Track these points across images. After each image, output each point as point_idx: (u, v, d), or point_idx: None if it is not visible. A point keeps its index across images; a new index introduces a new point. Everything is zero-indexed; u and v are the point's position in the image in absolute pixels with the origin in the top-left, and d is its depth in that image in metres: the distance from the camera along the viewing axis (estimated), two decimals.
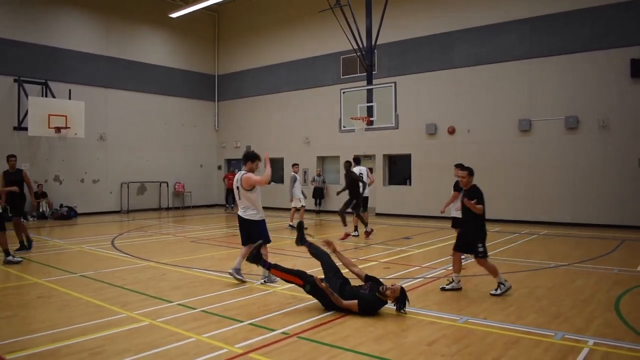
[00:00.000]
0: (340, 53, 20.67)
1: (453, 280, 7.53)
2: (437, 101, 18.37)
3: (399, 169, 19.96)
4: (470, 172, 7.67)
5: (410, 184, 19.04)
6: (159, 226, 17.14)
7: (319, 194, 20.56)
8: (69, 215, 19.23)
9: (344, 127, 16.22)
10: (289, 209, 16.54)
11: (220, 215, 21.19)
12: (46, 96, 19.29)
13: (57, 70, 20.05)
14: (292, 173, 15.88)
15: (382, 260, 9.93)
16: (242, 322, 5.89)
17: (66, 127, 18.32)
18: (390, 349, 4.99)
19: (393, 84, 15.17)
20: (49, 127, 18.03)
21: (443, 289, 7.49)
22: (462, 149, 17.46)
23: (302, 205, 15.70)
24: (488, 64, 17.22)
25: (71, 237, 14.00)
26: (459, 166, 12.06)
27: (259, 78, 24.09)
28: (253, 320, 5.91)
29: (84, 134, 19.09)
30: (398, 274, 8.66)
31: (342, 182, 20.00)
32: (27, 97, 18.39)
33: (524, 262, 9.72)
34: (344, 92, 16.30)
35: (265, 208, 8.91)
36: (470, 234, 7.42)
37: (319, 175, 20.67)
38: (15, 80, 18.91)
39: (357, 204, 13.01)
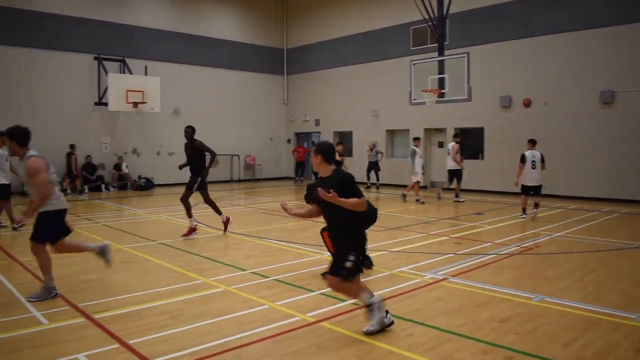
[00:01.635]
0: (410, 24, 20.17)
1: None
2: (512, 72, 17.62)
3: (470, 143, 19.39)
4: (323, 151, 4.69)
5: (482, 159, 18.51)
6: (232, 198, 17.62)
7: (373, 168, 20.00)
8: (147, 186, 20.13)
9: (414, 99, 15.97)
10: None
11: (290, 187, 21.52)
12: (124, 73, 20.09)
13: (134, 47, 20.80)
14: (412, 147, 15.75)
15: (452, 236, 9.78)
16: (313, 291, 5.99)
17: (143, 102, 19.06)
18: (462, 325, 4.93)
19: (465, 55, 14.72)
20: (127, 102, 18.82)
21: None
22: (539, 123, 16.72)
23: (417, 181, 15.56)
24: (567, 32, 16.26)
25: (149, 207, 14.66)
26: (532, 141, 11.93)
27: (327, 51, 23.98)
28: (324, 291, 5.99)
29: (159, 109, 19.80)
30: (469, 249, 8.51)
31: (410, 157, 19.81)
32: (106, 74, 19.22)
33: (604, 242, 9.28)
34: (414, 64, 16.01)
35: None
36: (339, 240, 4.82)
37: (371, 149, 20.17)
38: (95, 58, 19.79)
39: (200, 181, 9.95)
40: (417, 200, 15.27)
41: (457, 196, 15.60)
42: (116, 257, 7.99)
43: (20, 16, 18.07)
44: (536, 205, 12.00)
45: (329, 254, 6.79)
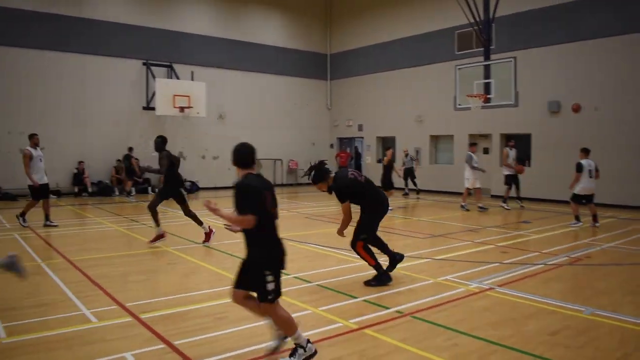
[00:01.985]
0: (454, 28, 19.90)
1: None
2: (561, 76, 17.11)
3: (517, 150, 18.99)
4: (233, 153, 4.41)
5: (529, 165, 18.05)
6: None
7: (409, 174, 19.65)
8: (191, 189, 20.51)
9: (459, 105, 15.75)
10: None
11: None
12: (171, 78, 20.55)
13: (181, 53, 21.27)
14: (469, 152, 15.23)
15: (499, 245, 9.57)
16: (356, 298, 5.96)
17: (189, 107, 19.44)
18: (510, 336, 4.81)
19: (512, 59, 14.44)
20: (174, 107, 19.24)
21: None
22: (588, 128, 16.18)
23: (466, 187, 15.21)
24: (617, 36, 15.66)
25: (194, 210, 14.86)
26: (585, 150, 11.66)
27: (371, 56, 23.89)
28: (367, 297, 5.96)
29: (205, 113, 20.15)
30: (516, 259, 8.30)
31: (455, 162, 19.52)
32: (154, 79, 19.70)
33: None
34: (459, 69, 15.79)
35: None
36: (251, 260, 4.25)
37: (406, 155, 19.80)
38: (144, 64, 20.34)
39: (166, 192, 9.68)
40: (462, 207, 15.01)
41: (504, 201, 15.27)
42: (162, 259, 8.19)
43: (73, 23, 18.76)
44: (595, 219, 11.79)
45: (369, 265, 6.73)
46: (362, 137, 24.67)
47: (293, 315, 5.27)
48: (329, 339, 4.70)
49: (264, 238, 4.16)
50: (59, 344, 4.59)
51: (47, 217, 11.52)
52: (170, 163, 9.43)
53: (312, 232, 10.87)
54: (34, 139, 11.46)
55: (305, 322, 5.12)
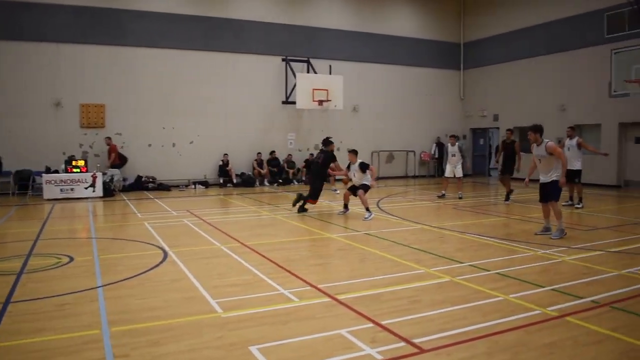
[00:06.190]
0: (603, 10, 18.61)
1: None
2: None
3: None
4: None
5: None
6: (414, 193, 17.83)
7: None
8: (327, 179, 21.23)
9: (614, 91, 14.81)
10: None
11: (470, 184, 21.07)
12: (308, 72, 21.27)
13: (318, 48, 21.98)
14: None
15: None
16: (543, 287, 5.93)
17: (327, 100, 20.05)
18: None
19: None
20: (312, 101, 19.94)
21: None
22: None
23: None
24: None
25: (339, 200, 15.36)
26: None
27: (508, 43, 22.97)
28: (555, 287, 5.90)
29: (342, 106, 20.67)
30: None
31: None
32: (294, 75, 20.54)
33: None
34: (615, 53, 14.83)
35: None
36: None
37: None
38: (283, 60, 21.28)
39: None
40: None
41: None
42: (332, 245, 8.65)
43: (219, 24, 20.20)
44: None
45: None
46: (498, 128, 23.87)
47: (486, 302, 5.39)
48: (534, 324, 4.73)
49: None
50: (273, 319, 4.91)
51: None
52: None
53: (467, 222, 10.82)
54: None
55: (501, 308, 5.20)
